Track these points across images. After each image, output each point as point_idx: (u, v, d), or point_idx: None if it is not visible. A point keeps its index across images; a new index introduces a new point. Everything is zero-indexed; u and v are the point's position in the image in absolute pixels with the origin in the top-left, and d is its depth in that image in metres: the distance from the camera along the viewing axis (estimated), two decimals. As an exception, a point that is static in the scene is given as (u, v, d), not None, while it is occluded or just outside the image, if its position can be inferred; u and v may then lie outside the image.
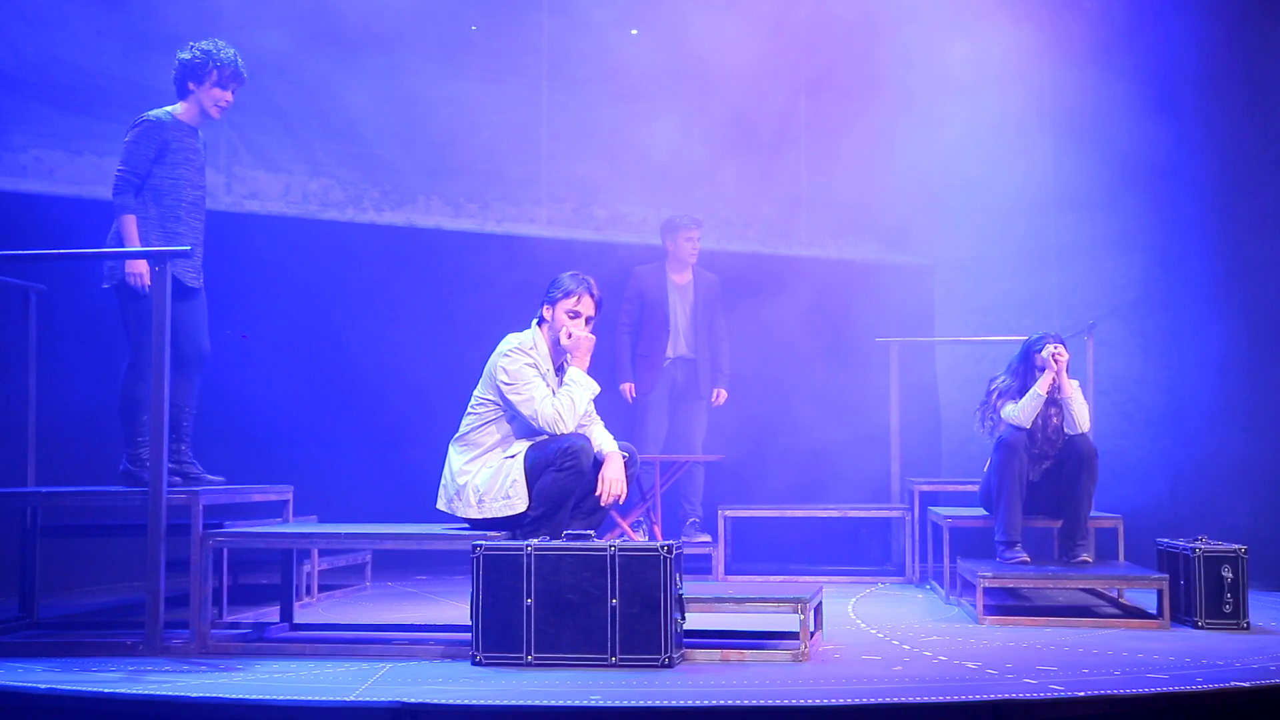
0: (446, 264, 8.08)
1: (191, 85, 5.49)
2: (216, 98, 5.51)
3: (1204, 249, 7.71)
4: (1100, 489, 6.74)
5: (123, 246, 5.29)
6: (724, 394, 7.91)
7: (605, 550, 4.45)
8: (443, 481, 5.17)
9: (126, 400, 5.35)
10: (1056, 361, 6.21)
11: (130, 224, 5.30)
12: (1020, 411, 6.22)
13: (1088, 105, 8.38)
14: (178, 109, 5.51)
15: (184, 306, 5.37)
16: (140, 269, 5.25)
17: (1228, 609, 5.37)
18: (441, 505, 5.15)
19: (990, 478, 6.30)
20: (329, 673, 4.33)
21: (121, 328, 5.43)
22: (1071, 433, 6.23)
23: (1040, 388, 6.20)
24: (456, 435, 5.19)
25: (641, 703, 3.70)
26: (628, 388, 7.80)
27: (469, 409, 5.20)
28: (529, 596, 4.45)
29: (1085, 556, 6.11)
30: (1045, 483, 6.30)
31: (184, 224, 5.42)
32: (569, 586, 4.44)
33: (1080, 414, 6.22)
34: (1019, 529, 6.13)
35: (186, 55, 5.49)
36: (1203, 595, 5.40)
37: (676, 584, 4.46)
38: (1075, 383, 6.34)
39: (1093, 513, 6.58)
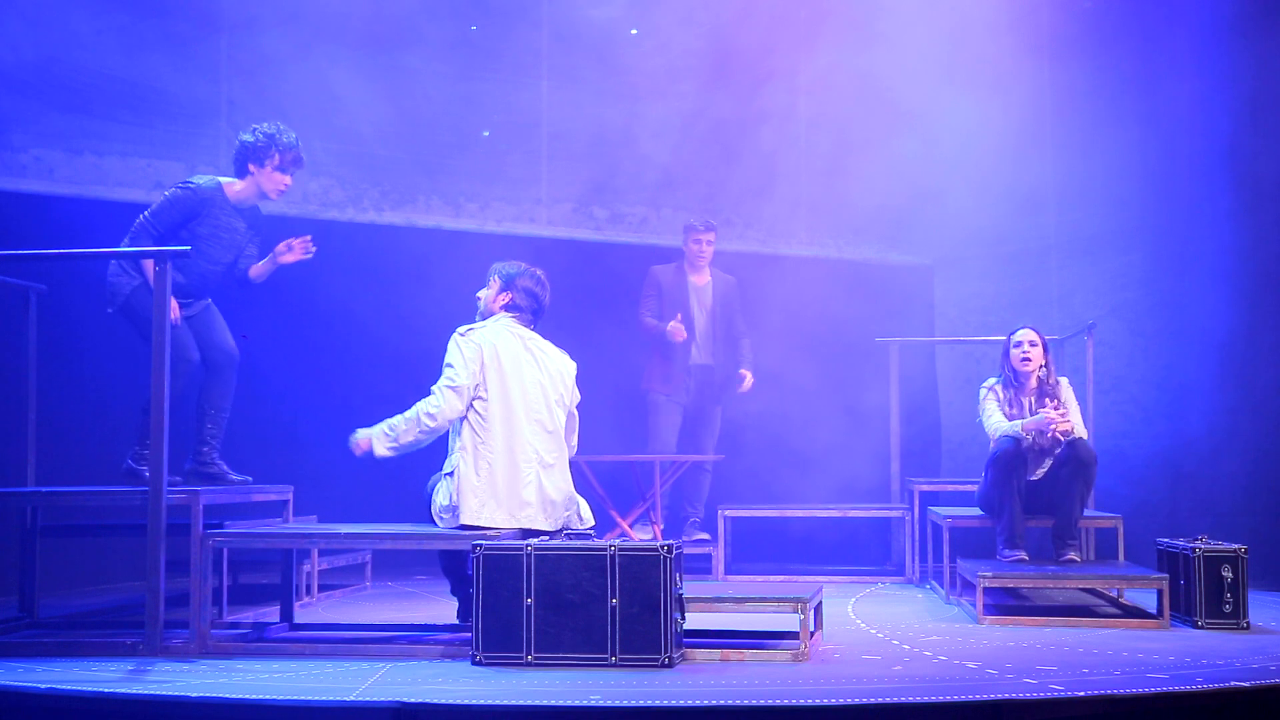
0: (446, 264, 8.08)
1: (252, 167, 5.53)
2: (277, 181, 5.55)
3: (1204, 248, 7.71)
4: (1100, 489, 6.76)
5: (123, 277, 5.41)
6: (749, 377, 7.76)
7: (605, 550, 4.45)
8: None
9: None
10: (1051, 425, 6.23)
11: (148, 267, 5.29)
12: (995, 430, 6.31)
13: (1087, 105, 8.39)
14: (234, 185, 5.55)
15: (194, 316, 5.46)
16: (173, 311, 5.28)
17: (1228, 609, 5.37)
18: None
19: (988, 488, 6.30)
20: (329, 673, 4.33)
21: (141, 343, 5.43)
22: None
23: (1024, 428, 6.24)
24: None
25: (641, 703, 3.70)
26: (675, 328, 7.52)
27: None
28: (529, 596, 4.45)
29: (1073, 555, 6.12)
30: (1046, 482, 6.31)
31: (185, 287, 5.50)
32: (569, 586, 4.44)
33: (1077, 426, 6.25)
34: (1022, 534, 6.15)
35: (249, 138, 5.52)
36: (1203, 595, 5.40)
37: (676, 584, 4.46)
38: (1064, 380, 6.42)
39: (1093, 512, 6.60)
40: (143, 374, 5.42)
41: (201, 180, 5.48)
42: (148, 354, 5.40)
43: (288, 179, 5.58)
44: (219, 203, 5.49)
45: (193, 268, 5.47)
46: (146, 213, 5.45)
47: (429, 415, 5.00)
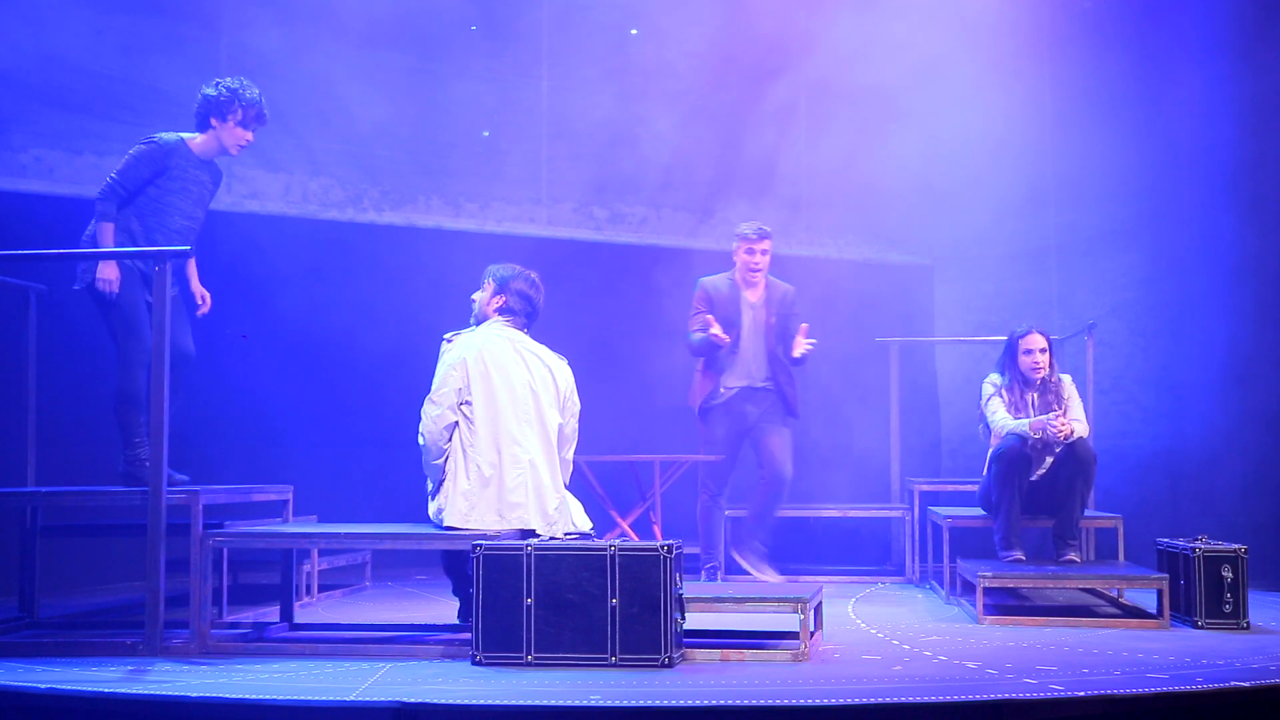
0: (446, 264, 8.08)
1: (214, 121, 5.47)
2: (238, 137, 5.50)
3: (1204, 247, 7.71)
4: (1100, 489, 6.77)
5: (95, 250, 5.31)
6: (804, 341, 6.96)
7: (605, 550, 4.45)
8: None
9: (120, 401, 5.34)
10: (1054, 431, 6.20)
11: (108, 232, 5.30)
12: (1002, 427, 6.28)
13: (1087, 105, 8.39)
14: (195, 139, 5.50)
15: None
16: (110, 275, 5.25)
17: (1228, 609, 5.37)
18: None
19: (990, 484, 6.31)
20: (329, 673, 4.33)
21: (104, 329, 5.43)
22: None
23: (1029, 428, 6.22)
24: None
25: (641, 703, 3.70)
26: (715, 331, 6.84)
27: None
28: (529, 596, 4.45)
29: (1073, 556, 6.12)
30: (1046, 482, 6.31)
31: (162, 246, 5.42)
32: (569, 586, 4.44)
33: (1079, 427, 6.25)
34: (1019, 533, 6.16)
35: (212, 91, 5.47)
36: (1203, 595, 5.40)
37: (676, 584, 4.46)
38: (1067, 378, 6.42)
39: (1093, 512, 6.61)
40: (127, 371, 5.41)
41: (164, 136, 5.45)
42: (110, 340, 5.39)
43: (249, 135, 5.52)
44: (184, 154, 5.43)
45: (168, 225, 5.39)
46: (113, 173, 5.36)
47: (420, 435, 5.08)
